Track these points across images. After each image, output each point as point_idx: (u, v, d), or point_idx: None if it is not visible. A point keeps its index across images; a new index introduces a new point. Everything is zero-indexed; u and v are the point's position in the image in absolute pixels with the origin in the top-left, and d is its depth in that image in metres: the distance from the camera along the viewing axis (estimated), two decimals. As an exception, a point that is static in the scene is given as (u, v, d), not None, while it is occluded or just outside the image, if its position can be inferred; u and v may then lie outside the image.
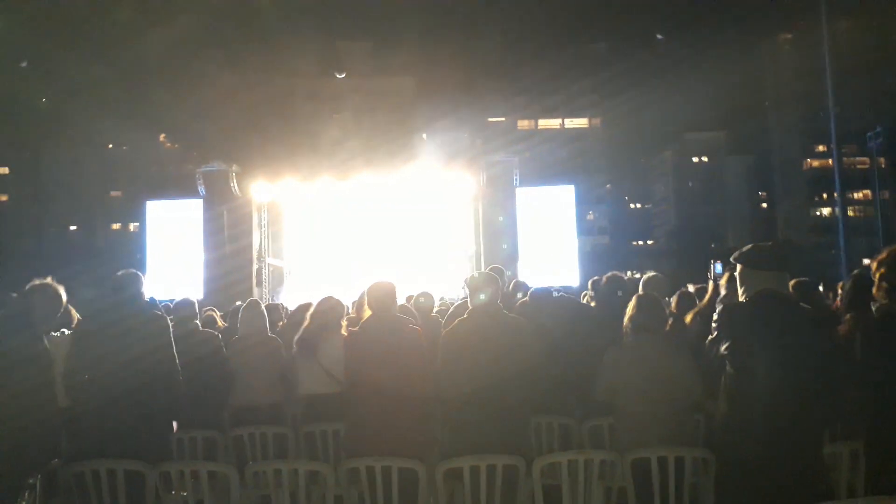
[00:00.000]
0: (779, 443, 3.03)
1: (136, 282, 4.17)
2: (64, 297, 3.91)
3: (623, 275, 6.01)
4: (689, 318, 5.04)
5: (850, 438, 3.86)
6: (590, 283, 6.71)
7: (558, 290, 8.12)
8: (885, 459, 3.16)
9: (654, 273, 6.48)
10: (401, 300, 5.81)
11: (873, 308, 3.43)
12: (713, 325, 3.29)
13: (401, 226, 20.46)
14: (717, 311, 3.38)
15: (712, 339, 3.26)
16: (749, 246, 3.38)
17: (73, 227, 75.63)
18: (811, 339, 3.17)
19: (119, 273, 4.19)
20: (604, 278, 5.81)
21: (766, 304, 3.16)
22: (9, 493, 3.40)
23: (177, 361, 4.10)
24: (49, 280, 3.92)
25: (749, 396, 3.10)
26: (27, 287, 3.86)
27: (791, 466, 3.03)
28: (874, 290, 3.29)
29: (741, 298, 3.29)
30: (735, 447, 3.17)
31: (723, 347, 3.19)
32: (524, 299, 5.95)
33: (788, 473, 3.02)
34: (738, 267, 3.32)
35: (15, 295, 3.93)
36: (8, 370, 3.50)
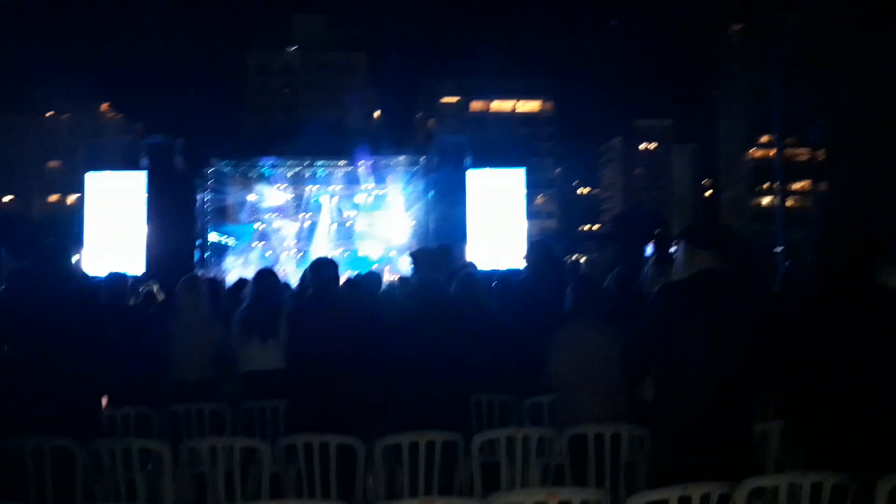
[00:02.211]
0: (710, 419, 3.09)
1: (64, 252, 4.00)
2: None
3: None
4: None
5: (779, 417, 3.97)
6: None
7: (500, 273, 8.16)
8: (808, 435, 3.27)
9: (594, 255, 6.58)
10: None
11: None
12: (650, 302, 3.32)
13: (350, 205, 20.31)
14: (655, 289, 3.41)
15: (648, 315, 3.27)
16: (694, 223, 3.44)
17: (7, 198, 72.81)
18: (747, 318, 3.24)
19: (46, 241, 4.01)
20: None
21: (704, 282, 3.21)
22: None
23: (104, 336, 3.94)
24: None
25: (682, 374, 3.15)
26: None
27: (721, 443, 3.10)
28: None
29: (680, 274, 3.33)
30: (667, 423, 3.22)
31: (657, 325, 3.22)
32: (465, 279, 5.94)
33: (718, 449, 3.09)
34: (682, 243, 3.35)
35: None
36: None
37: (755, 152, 77.25)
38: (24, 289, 3.65)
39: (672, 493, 2.72)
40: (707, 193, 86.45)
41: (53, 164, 75.75)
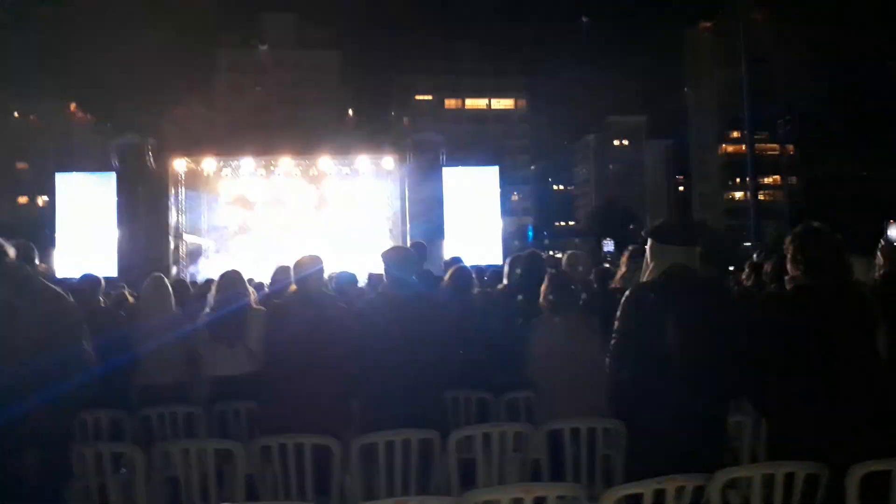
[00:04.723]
0: (683, 413, 3.11)
1: (30, 255, 3.88)
2: None
3: (541, 253, 6.07)
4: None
5: (753, 410, 4.02)
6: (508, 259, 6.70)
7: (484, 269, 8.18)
8: (784, 427, 3.30)
9: (576, 251, 6.59)
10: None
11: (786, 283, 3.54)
12: (623, 303, 3.32)
13: (325, 202, 20.16)
14: (626, 292, 3.41)
15: (621, 316, 3.28)
16: (660, 221, 3.44)
17: (-26, 201, 71.40)
18: (717, 313, 3.26)
19: (19, 243, 3.88)
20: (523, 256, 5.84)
21: (674, 280, 3.22)
22: None
23: (87, 345, 3.71)
24: None
25: (656, 370, 3.17)
26: None
27: (695, 436, 3.12)
28: (787, 262, 3.41)
29: (649, 272, 3.34)
30: (642, 418, 3.24)
31: (630, 324, 3.23)
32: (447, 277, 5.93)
33: (692, 443, 3.11)
34: (649, 241, 3.37)
35: None
36: None
37: (726, 148, 78.15)
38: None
39: (648, 487, 2.73)
40: (680, 189, 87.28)
41: (21, 165, 74.33)
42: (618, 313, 3.29)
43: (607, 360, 3.29)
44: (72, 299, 3.69)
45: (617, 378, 3.29)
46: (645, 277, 3.37)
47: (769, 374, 3.35)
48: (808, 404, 3.22)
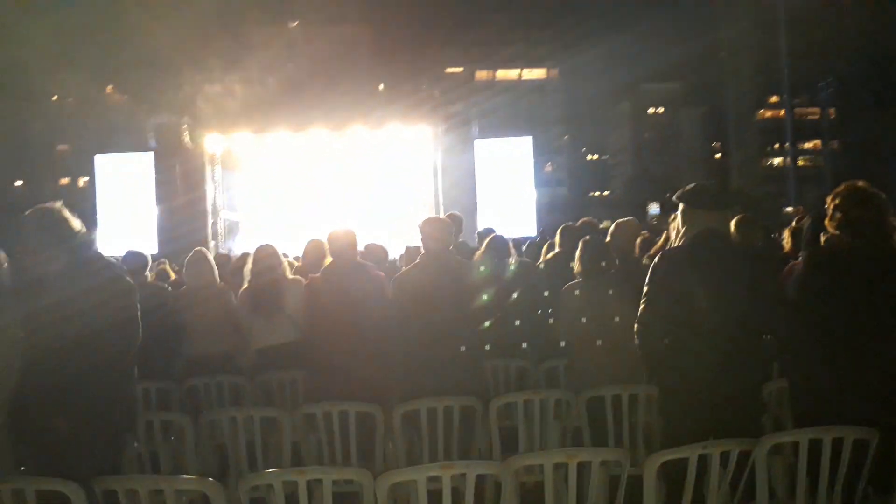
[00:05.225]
0: (718, 380, 3.10)
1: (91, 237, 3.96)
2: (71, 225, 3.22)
3: (595, 222, 6.03)
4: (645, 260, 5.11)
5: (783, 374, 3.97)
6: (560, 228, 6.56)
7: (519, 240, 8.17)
8: (815, 392, 3.26)
9: (623, 219, 6.52)
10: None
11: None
12: (651, 269, 3.30)
13: (358, 177, 20.22)
14: (658, 256, 3.39)
15: (652, 282, 3.26)
16: (692, 185, 3.38)
17: (18, 183, 73.01)
18: (749, 277, 3.22)
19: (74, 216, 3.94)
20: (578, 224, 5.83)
21: (706, 245, 3.19)
22: None
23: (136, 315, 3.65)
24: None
25: (690, 336, 3.15)
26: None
27: (729, 403, 3.11)
28: (826, 221, 3.32)
29: (681, 236, 3.31)
30: (678, 385, 3.23)
31: (662, 291, 3.21)
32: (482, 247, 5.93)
33: (727, 410, 3.09)
34: (681, 206, 3.33)
35: None
36: None
37: (765, 113, 76.33)
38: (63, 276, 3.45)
39: (692, 452, 2.73)
40: (717, 156, 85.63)
41: (62, 147, 75.71)
42: (647, 279, 3.27)
43: (636, 325, 3.28)
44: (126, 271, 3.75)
45: (645, 343, 3.29)
46: (676, 242, 3.35)
47: (801, 338, 3.30)
48: (840, 369, 3.16)
